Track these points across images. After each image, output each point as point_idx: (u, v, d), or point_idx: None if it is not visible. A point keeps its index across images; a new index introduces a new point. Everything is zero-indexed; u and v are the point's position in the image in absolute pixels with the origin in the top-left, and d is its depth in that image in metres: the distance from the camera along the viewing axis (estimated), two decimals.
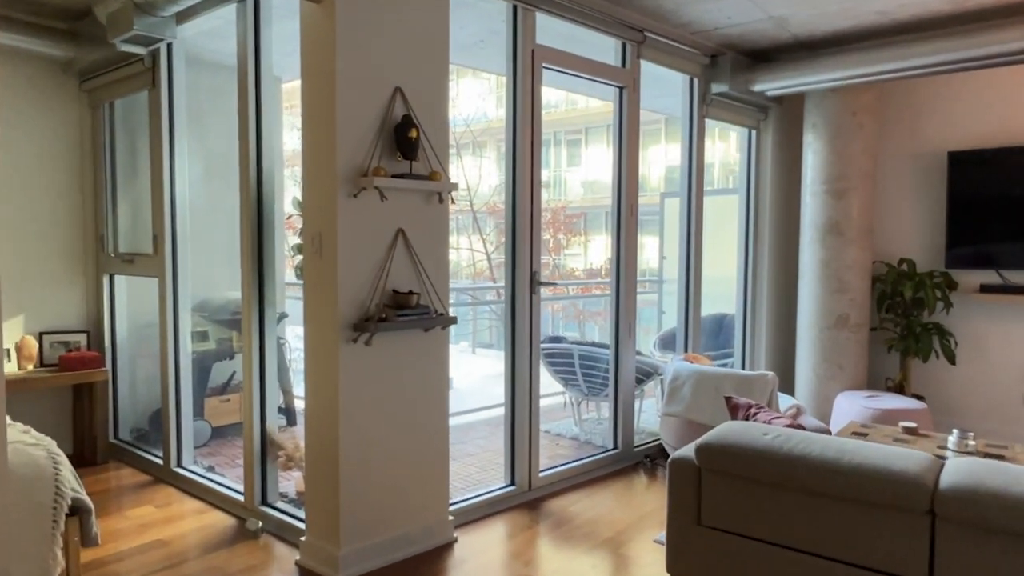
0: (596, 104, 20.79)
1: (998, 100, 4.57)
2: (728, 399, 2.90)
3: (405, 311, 2.76)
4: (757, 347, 5.25)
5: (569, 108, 20.92)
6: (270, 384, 3.29)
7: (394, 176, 2.74)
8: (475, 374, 7.58)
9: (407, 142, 2.74)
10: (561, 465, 3.90)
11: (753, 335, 5.26)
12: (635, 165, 4.16)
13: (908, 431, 3.53)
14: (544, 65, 3.59)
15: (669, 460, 2.53)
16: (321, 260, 2.70)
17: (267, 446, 3.29)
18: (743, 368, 5.26)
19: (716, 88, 4.60)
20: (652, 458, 4.25)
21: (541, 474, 3.72)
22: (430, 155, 2.92)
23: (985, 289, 4.59)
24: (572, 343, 4.70)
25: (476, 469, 4.14)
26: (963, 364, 4.79)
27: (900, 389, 4.82)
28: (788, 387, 5.22)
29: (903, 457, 2.17)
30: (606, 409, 5.21)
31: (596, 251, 19.68)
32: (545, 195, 20.09)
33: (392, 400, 2.86)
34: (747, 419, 2.79)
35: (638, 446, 4.35)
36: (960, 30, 3.89)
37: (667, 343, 5.92)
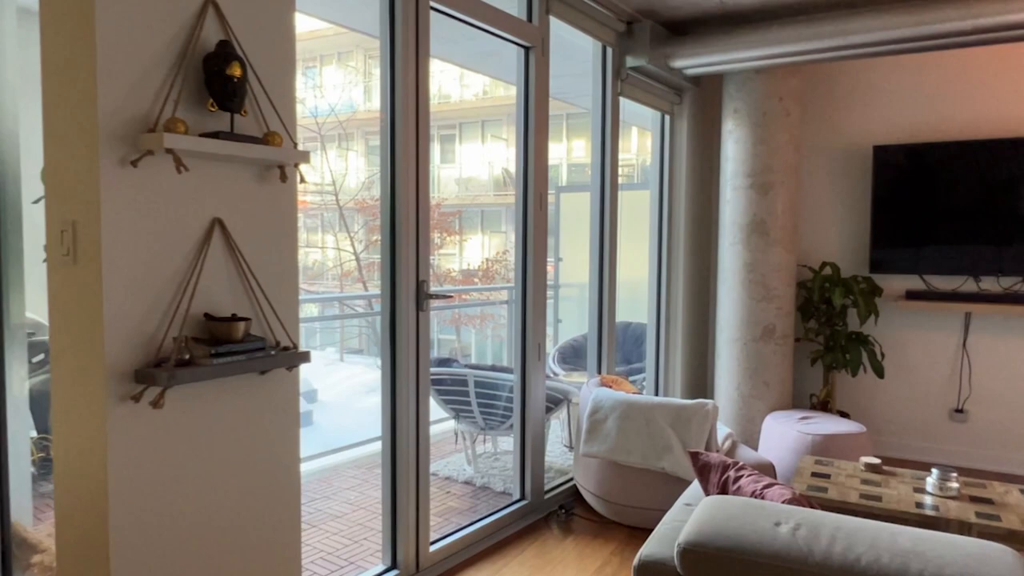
0: (470, 98, 20.09)
1: (929, 90, 4.19)
2: (695, 457, 2.14)
3: (226, 347, 1.76)
4: (672, 362, 4.62)
5: (442, 102, 20.03)
6: (15, 449, 2.15)
7: (204, 135, 1.74)
8: (343, 384, 6.54)
9: (225, 83, 1.75)
10: (457, 532, 3.00)
11: (667, 348, 4.62)
12: (544, 145, 3.35)
13: (872, 468, 2.97)
14: (433, 4, 2.68)
15: (636, 563, 1.72)
16: (76, 267, 1.64)
17: (9, 548, 2.15)
18: (656, 388, 4.61)
19: (632, 61, 3.89)
20: (567, 508, 3.45)
21: (432, 548, 2.81)
22: (266, 108, 1.93)
23: (912, 296, 4.21)
24: (466, 367, 3.82)
25: (343, 541, 3.15)
26: (888, 377, 4.40)
27: (824, 406, 4.35)
28: None
29: (991, 562, 1.47)
30: (504, 442, 4.37)
31: (472, 251, 18.92)
32: None
33: (208, 484, 1.84)
34: (724, 486, 2.03)
35: (547, 490, 3.54)
36: (903, 6, 3.40)
37: (567, 357, 5.19)
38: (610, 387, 3.63)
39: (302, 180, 1.99)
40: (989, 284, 4.08)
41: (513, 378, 3.64)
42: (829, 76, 4.44)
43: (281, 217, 2.01)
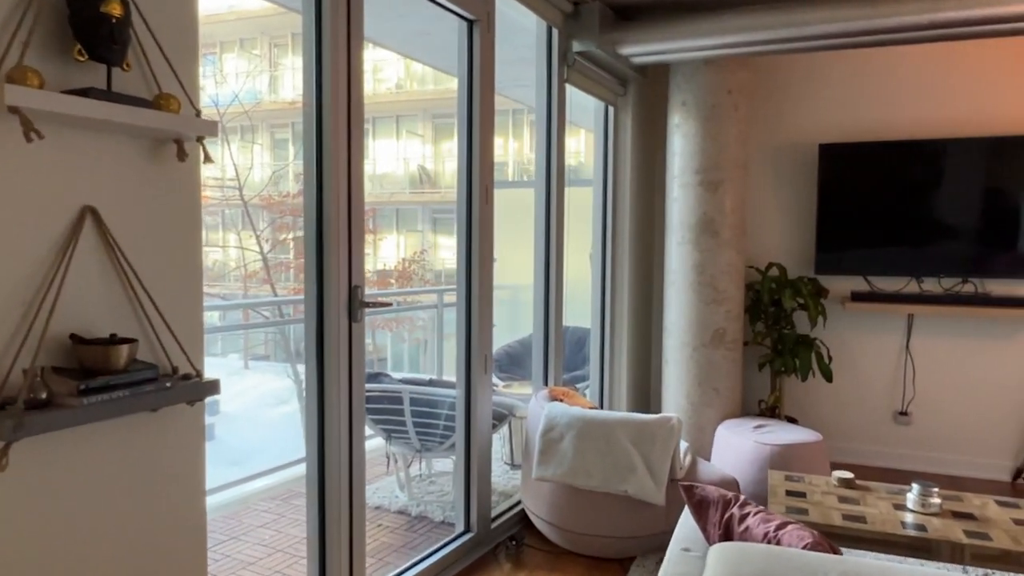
0: (383, 91, 19.40)
1: (876, 89, 4.11)
2: (690, 492, 1.83)
3: (101, 380, 1.31)
4: (617, 370, 4.36)
5: None
6: None
7: (68, 93, 1.27)
8: (249, 394, 5.95)
9: (99, 24, 1.29)
10: (396, 575, 2.59)
11: (612, 355, 4.35)
12: (490, 132, 2.98)
13: (845, 483, 2.78)
14: None
15: None
16: None
17: None
18: (601, 398, 4.33)
19: (579, 46, 3.58)
20: (518, 539, 3.10)
21: None
22: (158, 63, 1.48)
23: (856, 297, 4.12)
24: (401, 382, 3.39)
25: None
26: (834, 380, 4.29)
27: (772, 412, 4.20)
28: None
29: None
30: (439, 462, 3.97)
31: (388, 251, 18.27)
32: None
33: (83, 564, 1.37)
34: (728, 527, 1.73)
35: (493, 518, 3.18)
36: None
37: (504, 366, 4.84)
38: (561, 400, 3.31)
39: (207, 160, 1.54)
40: (931, 285, 4.04)
41: (454, 394, 3.25)
42: (778, 70, 4.29)
43: (179, 206, 1.55)
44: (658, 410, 4.46)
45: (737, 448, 3.63)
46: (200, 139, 1.51)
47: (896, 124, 4.07)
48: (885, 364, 4.20)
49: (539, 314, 3.61)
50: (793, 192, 4.32)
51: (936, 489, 2.54)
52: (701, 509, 1.80)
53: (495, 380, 4.65)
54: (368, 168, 19.40)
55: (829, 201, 4.14)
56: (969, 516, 2.50)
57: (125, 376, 1.36)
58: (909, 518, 2.49)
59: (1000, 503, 2.63)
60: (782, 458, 3.47)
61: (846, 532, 2.40)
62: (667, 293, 4.14)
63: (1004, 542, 2.27)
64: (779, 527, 1.65)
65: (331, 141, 2.16)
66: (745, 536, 1.68)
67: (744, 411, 4.20)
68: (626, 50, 3.69)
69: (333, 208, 2.18)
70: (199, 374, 1.53)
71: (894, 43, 3.37)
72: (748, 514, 1.72)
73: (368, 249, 18.36)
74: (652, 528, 2.92)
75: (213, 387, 1.52)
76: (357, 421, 2.31)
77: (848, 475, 2.79)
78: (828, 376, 4.04)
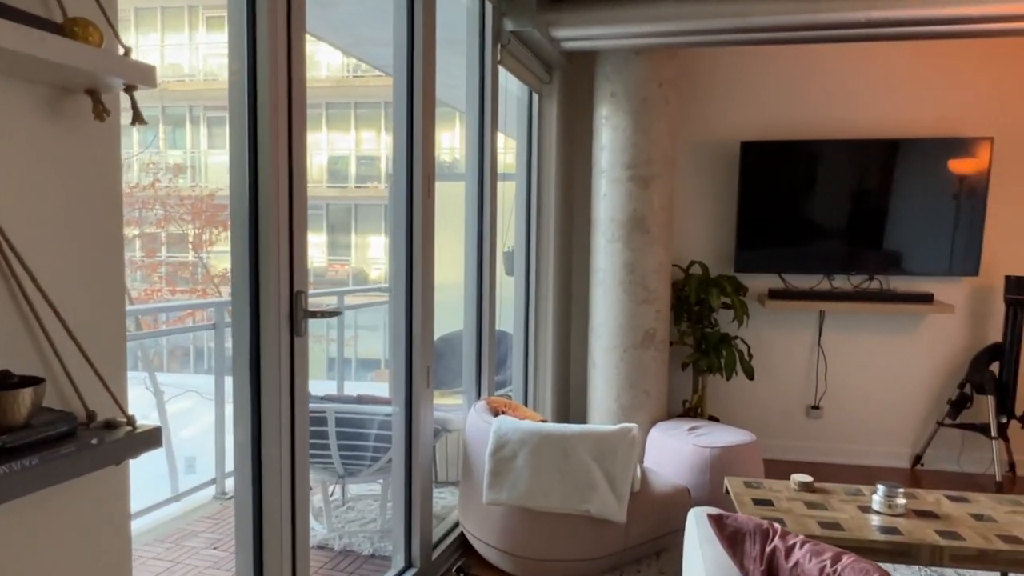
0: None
1: (799, 87, 4.17)
2: (719, 522, 1.61)
3: None
4: (542, 375, 4.13)
5: (208, 79, 17.78)
6: None
7: None
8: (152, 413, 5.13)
9: None
10: None
11: (537, 359, 4.12)
12: (431, 116, 2.63)
13: (806, 487, 2.72)
14: None
15: None
16: None
17: None
18: (525, 405, 4.08)
19: (513, 25, 3.31)
20: (465, 570, 2.77)
21: None
22: None
23: (773, 295, 4.17)
24: (324, 399, 2.95)
25: None
26: (750, 378, 4.32)
27: (695, 412, 4.16)
28: (580, 421, 4.22)
29: None
30: (355, 486, 3.55)
31: None
32: (182, 181, 16.70)
33: None
34: (773, 563, 1.53)
35: (435, 545, 2.84)
36: None
37: None
38: (505, 413, 3.02)
39: (138, 120, 1.10)
40: (841, 283, 4.17)
41: (386, 411, 2.88)
42: (704, 64, 4.25)
43: (94, 185, 1.11)
44: (583, 415, 4.29)
45: (674, 452, 3.52)
46: (130, 90, 1.08)
47: (814, 124, 4.16)
48: (799, 360, 4.29)
49: (471, 318, 3.30)
50: (715, 189, 4.30)
51: (901, 490, 2.53)
52: (735, 542, 1.60)
53: None
54: (226, 158, 18.03)
55: (749, 199, 4.15)
56: (931, 515, 2.50)
57: (28, 434, 0.92)
58: (878, 520, 2.45)
59: (951, 498, 2.67)
60: (721, 461, 3.40)
61: (826, 541, 2.31)
62: (594, 293, 3.97)
63: (977, 541, 2.27)
64: (834, 560, 1.48)
65: (269, 122, 1.74)
66: (797, 573, 1.49)
67: (669, 412, 4.13)
68: (560, 33, 3.46)
69: (272, 201, 1.76)
70: (130, 420, 1.10)
71: (827, 40, 3.39)
72: (794, 546, 1.54)
73: (226, 247, 17.01)
74: (612, 548, 2.71)
75: (154, 438, 1.09)
76: (300, 452, 1.90)
77: (807, 479, 2.73)
78: (750, 374, 4.06)
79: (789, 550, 1.53)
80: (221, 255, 16.81)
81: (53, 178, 1.05)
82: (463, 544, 3.01)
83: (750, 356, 4.17)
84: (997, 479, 3.78)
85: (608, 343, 3.88)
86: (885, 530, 2.36)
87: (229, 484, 3.60)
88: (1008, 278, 3.82)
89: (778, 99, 4.18)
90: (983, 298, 4.05)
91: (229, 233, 1.80)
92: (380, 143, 16.96)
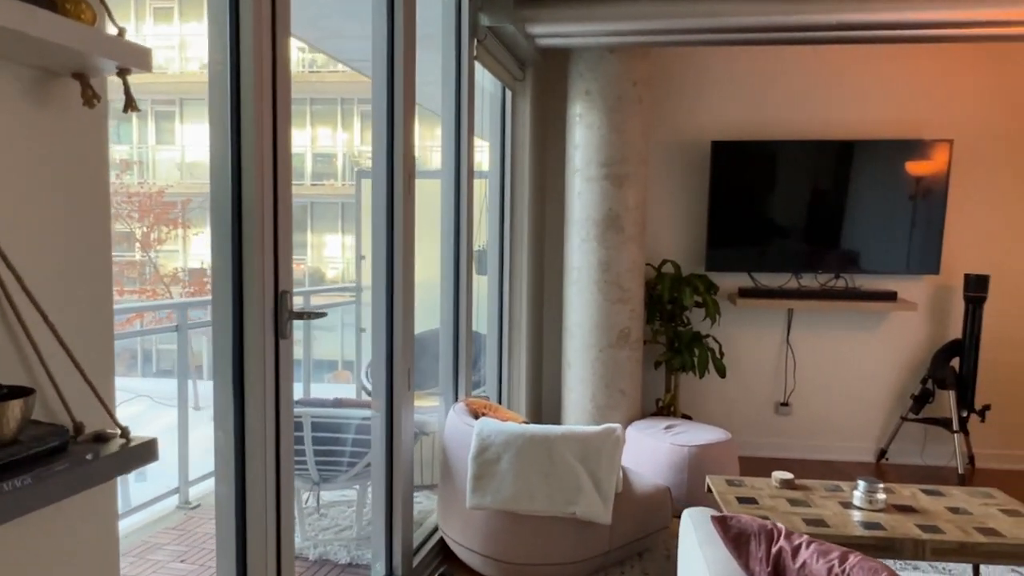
0: (194, 69, 17.47)
1: (768, 88, 4.21)
2: (723, 524, 1.59)
3: None
4: (516, 375, 4.09)
5: (156, 71, 17.18)
6: None
7: None
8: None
9: None
10: None
11: (511, 359, 4.07)
12: (412, 108, 2.56)
13: (787, 484, 2.74)
14: None
15: None
16: None
17: None
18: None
19: (488, 20, 3.25)
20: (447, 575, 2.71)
21: None
22: None
23: (743, 293, 4.21)
24: (298, 402, 2.84)
25: None
26: (720, 376, 4.36)
27: (668, 410, 4.18)
28: (555, 422, 4.20)
29: None
30: (329, 493, 3.45)
31: (202, 247, 16.49)
32: (128, 178, 16.12)
33: None
34: (779, 563, 1.52)
35: (414, 552, 2.77)
36: None
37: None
38: (485, 415, 2.97)
39: (130, 107, 1.02)
40: (808, 281, 4.23)
41: (363, 415, 2.79)
42: (676, 64, 4.26)
43: (81, 179, 1.02)
44: (557, 416, 4.26)
45: (652, 451, 3.52)
46: (123, 74, 0.99)
47: (782, 124, 4.21)
48: (768, 357, 4.34)
49: (447, 317, 3.23)
50: (686, 189, 4.32)
51: (881, 485, 2.57)
52: (740, 543, 1.58)
53: (369, 383, 4.16)
54: (175, 155, 17.44)
55: (720, 198, 4.19)
56: (910, 509, 2.54)
57: (17, 450, 0.83)
58: (860, 516, 2.48)
59: (926, 492, 2.72)
60: (698, 459, 3.41)
61: (813, 537, 2.33)
62: (568, 292, 3.94)
63: (956, 535, 2.31)
64: (841, 560, 1.47)
65: (253, 124, 1.65)
66: (805, 574, 1.47)
67: (643, 411, 4.13)
68: (536, 29, 3.42)
69: (256, 197, 1.68)
70: (124, 431, 1.01)
71: (796, 42, 3.42)
72: (800, 546, 1.53)
73: (176, 245, 16.50)
74: (596, 550, 2.69)
75: (150, 450, 1.01)
76: (286, 458, 1.81)
77: (788, 476, 2.75)
78: (722, 372, 4.09)
79: (795, 550, 1.52)
80: (171, 254, 16.29)
81: (37, 170, 0.96)
82: (443, 550, 2.95)
83: (721, 354, 4.21)
84: (960, 471, 3.89)
85: (583, 343, 3.86)
86: (868, 525, 2.39)
87: (194, 492, 3.46)
88: (967, 276, 3.94)
89: (748, 99, 4.22)
90: (944, 296, 4.17)
91: (208, 230, 1.70)
92: (336, 140, 16.68)
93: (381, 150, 2.49)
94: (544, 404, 4.46)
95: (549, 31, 3.43)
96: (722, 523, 1.60)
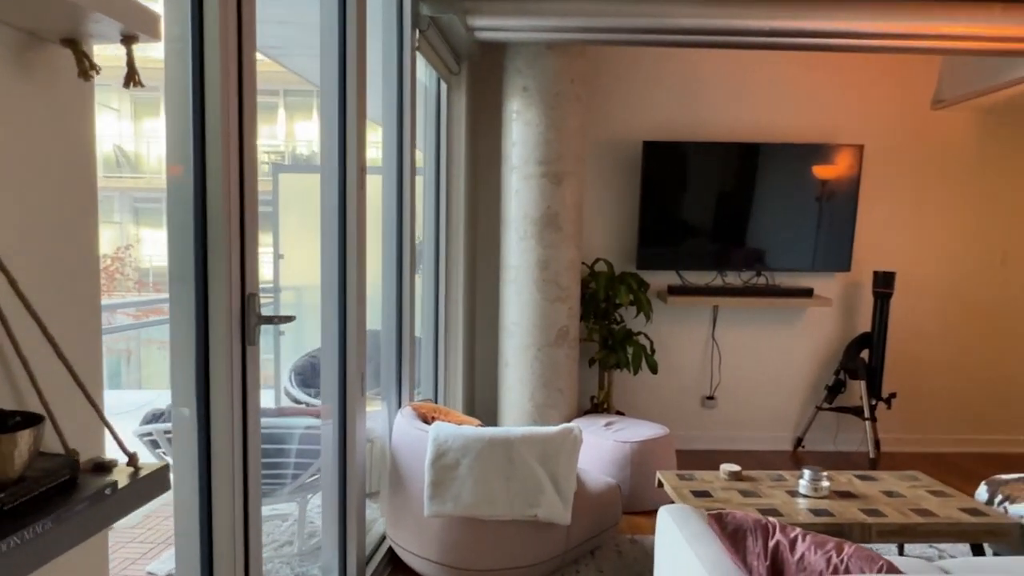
0: (104, 51, 16.06)
1: (699, 89, 4.32)
2: (720, 520, 1.59)
3: None
4: (453, 377, 4.00)
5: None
6: None
7: None
8: None
9: None
10: None
11: (448, 361, 3.98)
12: (363, 101, 2.43)
13: (735, 476, 2.82)
14: None
15: None
16: None
17: None
18: None
19: (429, 10, 3.15)
20: None
21: None
22: None
23: (672, 291, 4.32)
24: None
25: None
26: (649, 372, 4.46)
27: (603, 406, 4.22)
28: (491, 422, 4.13)
29: None
30: (265, 507, 3.24)
31: (104, 244, 15.19)
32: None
33: None
34: (777, 557, 1.54)
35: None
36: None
37: (308, 379, 4.16)
38: (435, 419, 2.87)
39: (132, 81, 0.88)
40: (732, 279, 4.40)
41: (307, 424, 2.63)
42: (611, 63, 4.30)
43: (65, 165, 0.88)
44: (493, 416, 4.21)
45: (595, 448, 3.54)
46: (129, 42, 0.85)
47: (708, 126, 4.34)
48: (696, 353, 4.48)
49: (390, 318, 3.11)
50: (618, 187, 4.38)
51: (825, 473, 2.69)
52: (737, 539, 1.59)
53: (299, 394, 3.96)
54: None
55: (650, 198, 4.27)
56: (850, 495, 2.67)
57: (28, 487, 0.69)
58: (808, 503, 2.58)
59: (860, 477, 2.88)
60: (640, 454, 3.46)
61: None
62: (506, 291, 3.90)
63: (897, 517, 2.45)
64: (837, 551, 1.50)
65: (218, 114, 1.50)
66: (805, 567, 1.50)
67: (579, 409, 4.15)
68: (478, 21, 3.35)
69: (222, 193, 1.52)
70: (132, 458, 0.87)
71: (730, 46, 3.54)
72: (796, 539, 1.55)
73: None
74: (554, 551, 2.66)
75: (162, 479, 0.87)
76: (254, 473, 1.66)
77: (736, 468, 2.83)
78: (654, 368, 4.17)
79: (792, 543, 1.54)
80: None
81: (15, 143, 0.80)
82: (392, 561, 2.83)
83: (653, 351, 4.30)
84: (871, 456, 4.16)
85: (522, 342, 3.83)
86: (817, 512, 2.49)
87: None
88: (876, 273, 4.21)
89: (679, 100, 4.33)
90: (855, 291, 4.44)
91: (167, 230, 1.53)
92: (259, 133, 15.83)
93: (332, 147, 2.35)
94: (478, 404, 4.40)
95: (490, 24, 3.37)
96: (719, 520, 1.60)
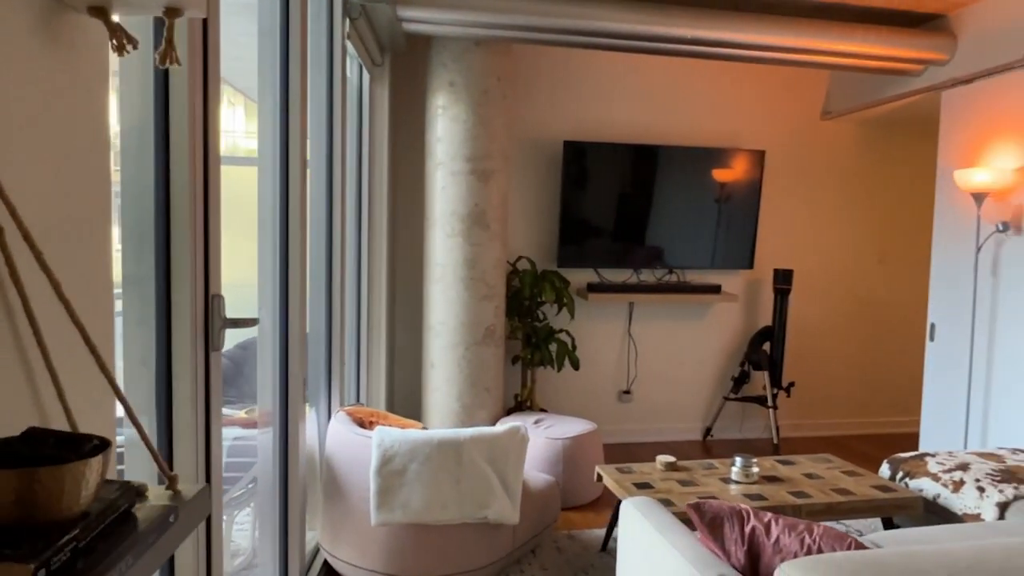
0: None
1: (618, 92, 4.42)
2: (699, 510, 1.63)
3: (68, 539, 0.54)
4: (375, 379, 3.87)
5: None
6: None
7: None
8: None
9: None
10: None
11: (370, 362, 3.85)
12: (305, 84, 2.30)
13: (671, 466, 2.92)
14: None
15: None
16: None
17: None
18: None
19: None
20: None
21: None
22: None
23: (592, 288, 4.42)
24: None
25: None
26: (569, 368, 4.54)
27: (526, 404, 4.25)
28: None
29: None
30: None
31: None
32: None
33: None
34: (754, 541, 1.60)
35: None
36: (640, 5, 3.47)
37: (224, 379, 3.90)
38: (373, 423, 2.78)
39: (168, 58, 0.77)
40: (647, 276, 4.55)
41: (232, 436, 2.46)
42: (534, 62, 4.31)
43: (80, 149, 0.77)
44: (417, 418, 4.12)
45: (532, 445, 3.54)
46: (172, 15, 0.75)
47: (625, 128, 4.47)
48: (613, 349, 4.60)
49: (318, 317, 2.97)
50: (540, 187, 4.41)
51: (755, 459, 2.83)
52: (715, 527, 1.64)
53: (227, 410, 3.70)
54: None
55: (570, 197, 4.33)
56: (776, 479, 2.84)
57: (93, 523, 0.59)
58: (741, 489, 2.71)
59: (780, 462, 3.06)
60: (571, 450, 3.51)
61: None
62: (432, 289, 3.83)
63: (821, 497, 2.63)
64: (808, 532, 1.59)
65: (185, 103, 1.37)
66: (781, 549, 1.57)
67: (504, 408, 4.15)
68: (409, 12, 3.27)
69: (187, 189, 1.39)
70: (172, 480, 0.76)
71: (651, 52, 3.66)
72: (770, 523, 1.62)
73: None
74: (502, 551, 2.64)
75: (207, 502, 0.78)
76: (216, 488, 1.53)
77: (671, 459, 2.93)
78: (576, 365, 4.24)
79: (767, 528, 1.61)
80: None
81: (41, 119, 0.69)
82: (330, 573, 2.70)
83: (574, 347, 4.37)
84: (775, 442, 4.45)
85: (449, 341, 3.77)
86: (752, 497, 2.62)
87: None
88: (776, 270, 4.50)
89: (598, 102, 4.42)
90: (757, 288, 4.73)
91: (120, 230, 1.37)
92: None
93: (270, 141, 2.21)
94: (400, 408, 4.30)
95: (421, 16, 3.29)
96: (697, 509, 1.65)
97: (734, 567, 1.60)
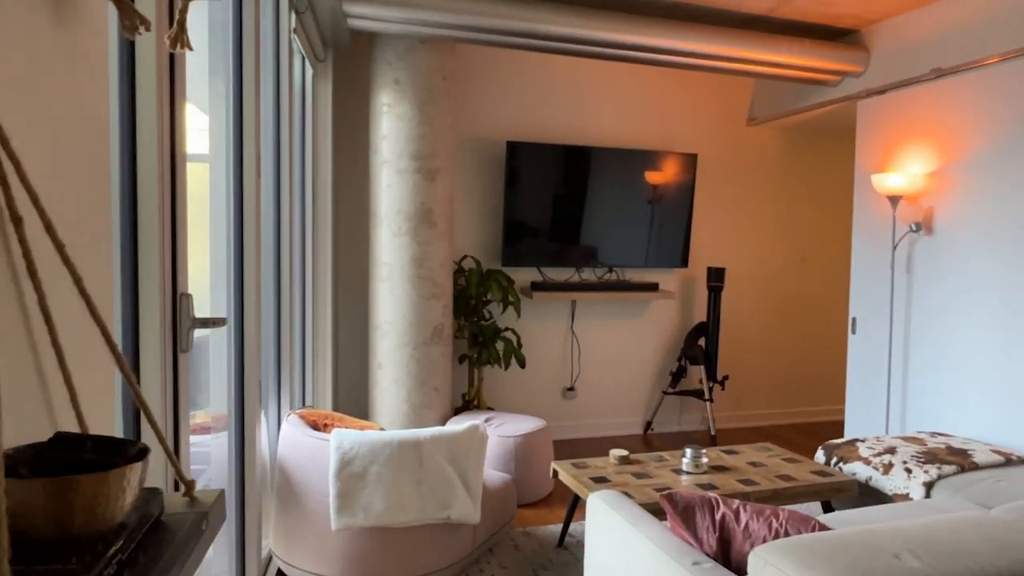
0: None
1: (560, 94, 4.47)
2: (671, 500, 1.68)
3: (115, 550, 0.51)
4: (321, 381, 3.78)
5: None
6: None
7: None
8: None
9: None
10: None
11: (316, 364, 3.76)
12: (258, 75, 2.23)
13: (624, 460, 2.99)
14: None
15: None
16: None
17: None
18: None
19: None
20: None
21: None
22: None
23: (535, 287, 4.46)
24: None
25: None
26: (515, 366, 4.57)
27: (474, 403, 4.25)
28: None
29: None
30: None
31: None
32: None
33: None
34: (725, 528, 1.66)
35: None
36: (587, 9, 3.53)
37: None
38: (328, 426, 2.72)
39: (180, 42, 0.74)
40: (588, 275, 4.64)
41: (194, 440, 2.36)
42: (478, 62, 4.31)
43: (78, 136, 0.73)
44: (367, 415, 4.05)
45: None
46: None
47: (564, 129, 4.53)
48: (557, 346, 4.65)
49: (268, 315, 2.88)
50: (484, 186, 4.42)
51: (704, 451, 2.93)
52: (688, 516, 1.69)
53: None
54: None
55: (513, 196, 4.36)
56: (724, 468, 2.95)
57: (132, 531, 0.57)
58: (692, 479, 2.80)
59: (725, 452, 3.18)
60: (523, 448, 3.54)
61: None
62: (378, 289, 3.77)
63: (767, 484, 2.75)
64: (775, 517, 1.66)
65: (152, 96, 1.31)
66: (750, 534, 1.63)
67: (453, 408, 4.13)
68: (355, 8, 3.21)
69: (157, 178, 1.33)
70: (189, 486, 0.73)
71: (592, 56, 3.73)
72: (738, 510, 1.69)
73: None
74: (464, 550, 2.64)
75: (223, 508, 0.75)
76: None
77: (624, 452, 3.00)
78: (522, 363, 4.27)
79: (736, 515, 1.68)
80: None
81: (57, 98, 0.65)
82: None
83: (519, 346, 4.40)
84: (712, 433, 4.61)
85: (397, 341, 3.73)
86: (704, 487, 2.71)
87: None
88: (709, 269, 4.67)
89: (539, 103, 4.46)
90: (692, 285, 4.88)
91: None
92: None
93: (223, 133, 2.13)
94: (344, 408, 4.21)
95: (367, 12, 3.24)
96: (670, 499, 1.70)
97: (707, 554, 1.65)
